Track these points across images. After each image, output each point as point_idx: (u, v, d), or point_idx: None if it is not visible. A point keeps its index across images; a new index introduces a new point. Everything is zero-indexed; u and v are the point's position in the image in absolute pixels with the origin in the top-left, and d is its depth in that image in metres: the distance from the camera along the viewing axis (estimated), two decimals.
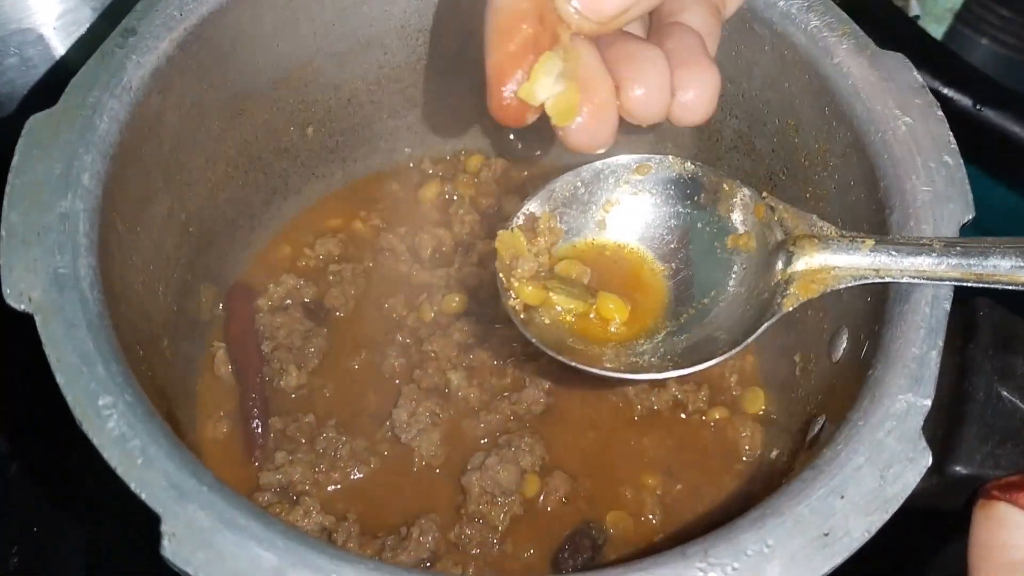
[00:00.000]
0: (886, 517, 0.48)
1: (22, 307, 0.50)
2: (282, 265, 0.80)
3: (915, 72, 0.62)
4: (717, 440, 0.74)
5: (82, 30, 0.78)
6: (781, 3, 0.65)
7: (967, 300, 0.59)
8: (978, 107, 0.96)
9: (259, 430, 0.72)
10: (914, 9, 1.15)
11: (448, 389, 0.74)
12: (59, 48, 0.78)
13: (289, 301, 0.77)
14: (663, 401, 0.74)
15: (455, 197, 0.83)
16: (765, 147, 0.72)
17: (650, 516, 0.70)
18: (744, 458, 0.73)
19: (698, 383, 0.75)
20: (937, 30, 1.14)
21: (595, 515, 0.70)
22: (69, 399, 0.48)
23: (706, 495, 0.72)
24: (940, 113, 0.60)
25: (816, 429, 0.60)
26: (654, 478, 0.72)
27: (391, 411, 0.72)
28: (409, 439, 0.71)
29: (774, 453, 0.71)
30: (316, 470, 0.70)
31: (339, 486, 0.70)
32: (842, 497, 0.48)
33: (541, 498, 0.70)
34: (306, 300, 0.78)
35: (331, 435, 0.71)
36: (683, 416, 0.74)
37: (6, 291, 0.51)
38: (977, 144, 0.84)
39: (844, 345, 0.62)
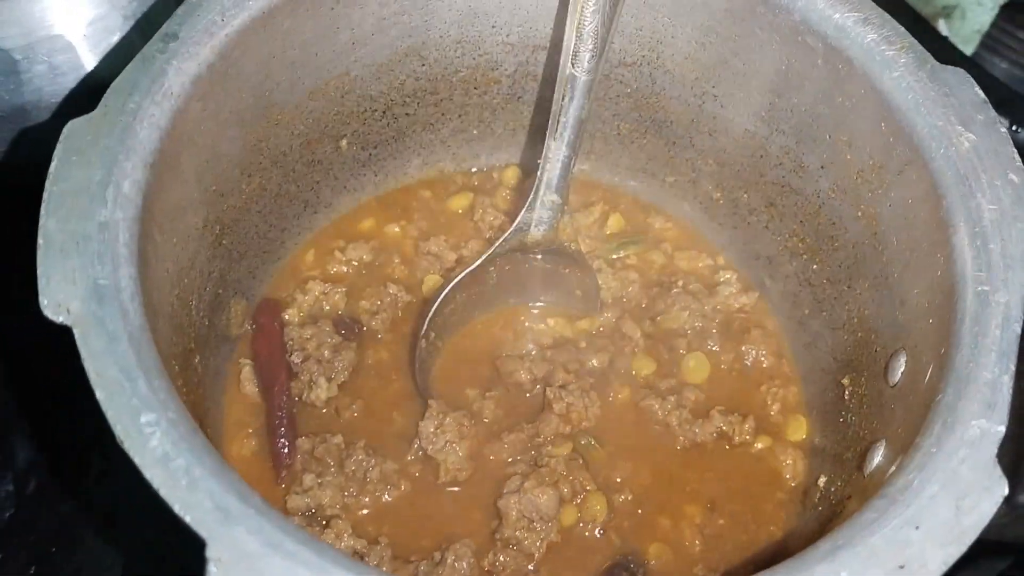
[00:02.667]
0: (963, 549, 0.46)
1: (60, 319, 0.48)
2: (310, 272, 0.79)
3: (976, 88, 0.60)
4: (759, 469, 0.72)
5: (113, 38, 0.76)
6: (836, 16, 0.64)
7: None
8: (1015, 128, 0.95)
9: (286, 450, 0.70)
10: (942, 30, 1.14)
11: (475, 406, 0.72)
12: (88, 56, 0.77)
13: (318, 312, 0.76)
14: (707, 433, 0.72)
15: (489, 209, 0.82)
16: (814, 163, 0.70)
17: (690, 547, 0.68)
18: (788, 487, 0.71)
19: (743, 414, 0.73)
20: (964, 51, 1.13)
21: (633, 546, 0.68)
22: (110, 416, 0.46)
23: (748, 525, 0.70)
24: (1003, 130, 0.59)
25: (877, 457, 0.58)
26: (694, 508, 0.70)
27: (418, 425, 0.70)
28: (436, 451, 0.69)
29: (822, 480, 0.69)
30: (346, 493, 0.68)
31: (369, 510, 0.68)
32: (917, 528, 0.46)
33: (578, 526, 0.68)
34: (337, 313, 0.76)
35: (360, 457, 0.69)
36: (727, 447, 0.72)
37: (43, 302, 0.49)
38: None
39: (903, 368, 0.60)
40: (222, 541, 0.43)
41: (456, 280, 0.72)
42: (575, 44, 0.66)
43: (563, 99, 0.68)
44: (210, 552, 0.43)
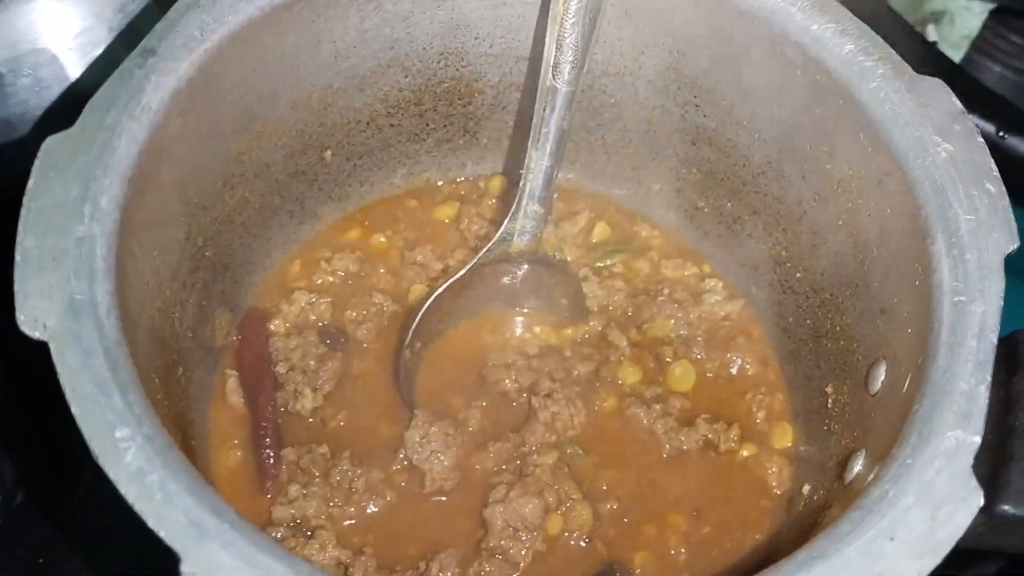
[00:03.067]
0: (938, 560, 0.46)
1: (37, 335, 0.48)
2: (296, 283, 0.79)
3: (954, 98, 0.61)
4: (744, 477, 0.72)
5: (97, 51, 0.77)
6: (815, 27, 0.64)
7: (1011, 333, 0.57)
8: (1002, 134, 0.95)
9: (271, 461, 0.70)
10: (931, 35, 1.14)
11: (461, 416, 0.72)
12: (74, 69, 0.77)
13: (304, 322, 0.76)
14: (692, 441, 0.72)
15: (475, 219, 0.82)
16: (795, 173, 0.70)
17: (675, 555, 0.69)
18: (772, 494, 0.71)
19: (728, 422, 0.73)
20: (954, 56, 1.13)
21: (618, 555, 0.68)
22: (85, 431, 0.46)
23: (734, 533, 0.70)
24: (980, 140, 0.59)
25: (857, 467, 0.58)
26: (680, 516, 0.70)
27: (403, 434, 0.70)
28: (421, 461, 0.69)
29: (806, 488, 0.69)
30: (331, 504, 0.68)
31: (354, 520, 0.68)
32: (892, 539, 0.46)
33: (564, 535, 0.68)
34: (322, 323, 0.76)
35: (346, 467, 0.69)
36: (713, 455, 0.73)
37: (20, 318, 0.49)
38: (1001, 171, 0.83)
39: (883, 378, 0.60)
40: (196, 556, 0.43)
41: (439, 291, 0.72)
42: (555, 56, 0.67)
43: (544, 110, 0.68)
44: (184, 567, 0.43)
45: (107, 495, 0.45)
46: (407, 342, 0.73)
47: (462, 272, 0.73)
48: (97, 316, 0.50)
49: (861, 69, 0.62)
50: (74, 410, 0.47)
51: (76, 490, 0.74)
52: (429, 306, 0.73)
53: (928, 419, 0.50)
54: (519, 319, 0.79)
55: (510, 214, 0.72)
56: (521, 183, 0.71)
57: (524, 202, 0.72)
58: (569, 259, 0.80)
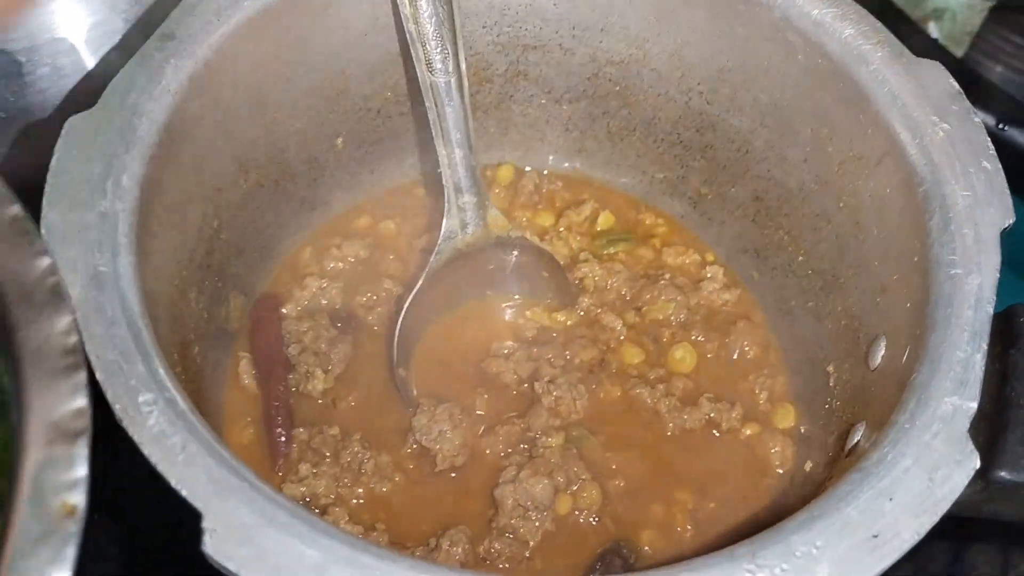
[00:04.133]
0: (935, 519, 0.47)
1: None
2: (307, 268, 0.80)
3: (951, 79, 0.62)
4: (748, 456, 0.73)
5: (113, 40, 0.78)
6: (815, 12, 0.65)
7: (1009, 307, 0.58)
8: (1001, 126, 0.96)
9: (283, 439, 0.71)
10: (933, 32, 1.15)
11: (466, 403, 0.73)
12: (90, 58, 0.79)
13: (315, 306, 0.77)
14: (696, 420, 0.73)
15: None
16: (797, 156, 0.72)
17: (681, 532, 0.70)
18: (776, 473, 0.73)
19: (731, 402, 0.74)
20: (956, 52, 1.14)
21: (626, 533, 0.69)
22: (109, 396, 0.47)
23: (738, 510, 0.71)
24: (977, 119, 0.60)
25: (856, 437, 0.60)
26: (686, 493, 0.71)
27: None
28: (430, 441, 0.70)
29: (808, 466, 0.70)
30: (340, 483, 0.69)
31: (364, 500, 0.69)
32: (891, 499, 0.47)
33: (573, 514, 0.70)
34: (336, 307, 0.77)
35: (356, 449, 0.70)
36: (716, 434, 0.74)
37: None
38: (1002, 164, 0.84)
39: (883, 352, 0.61)
40: (217, 513, 0.44)
41: (405, 308, 0.73)
42: (421, 52, 0.68)
43: (435, 105, 0.69)
44: (206, 523, 0.44)
45: (122, 474, 0.47)
46: (395, 361, 0.73)
47: (419, 283, 0.73)
48: (120, 288, 0.51)
49: (860, 53, 0.64)
50: (98, 376, 0.48)
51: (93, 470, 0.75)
52: (403, 323, 0.73)
53: (926, 386, 0.51)
54: (509, 306, 0.79)
55: (445, 213, 0.73)
56: (444, 181, 0.72)
57: (454, 197, 0.72)
58: (575, 247, 0.81)
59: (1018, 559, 0.71)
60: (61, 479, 0.42)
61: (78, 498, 0.41)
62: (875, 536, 0.46)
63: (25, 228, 0.49)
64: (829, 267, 0.72)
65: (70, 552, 0.40)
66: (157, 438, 0.47)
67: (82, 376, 0.44)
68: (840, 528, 0.46)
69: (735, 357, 0.78)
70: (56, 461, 0.42)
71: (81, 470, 0.42)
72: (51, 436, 0.42)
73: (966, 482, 0.48)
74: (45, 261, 0.48)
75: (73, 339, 0.45)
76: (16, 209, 0.49)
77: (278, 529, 0.45)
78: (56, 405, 0.43)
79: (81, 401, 0.43)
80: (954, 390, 0.51)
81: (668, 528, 0.70)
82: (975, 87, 0.97)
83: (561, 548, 0.69)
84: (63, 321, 0.46)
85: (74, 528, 0.40)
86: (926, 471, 0.48)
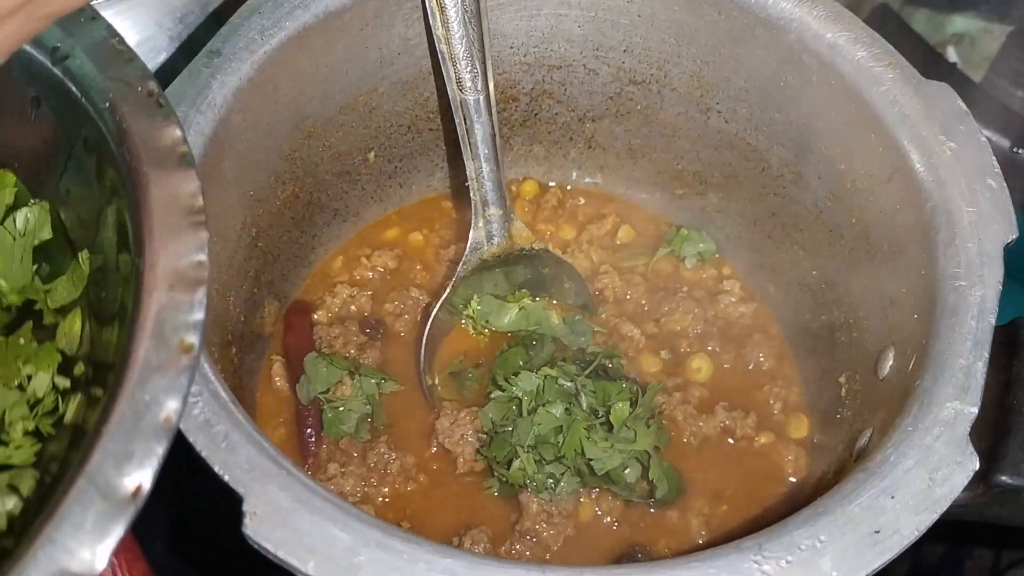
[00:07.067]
0: (935, 517, 0.49)
1: None
2: (338, 277, 0.83)
3: (959, 100, 0.65)
4: (763, 464, 0.75)
5: (160, 57, 0.82)
6: (829, 36, 0.68)
7: (1012, 320, 0.61)
8: (1016, 149, 0.98)
9: (312, 439, 0.74)
10: (951, 56, 1.17)
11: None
12: None
13: (345, 313, 0.80)
14: (711, 427, 0.76)
15: None
16: (811, 174, 0.74)
17: (695, 537, 0.72)
18: (789, 481, 0.75)
19: (745, 410, 0.77)
20: (974, 78, 1.16)
21: (642, 538, 0.72)
22: None
23: (753, 518, 0.73)
24: (983, 139, 0.63)
25: (864, 441, 0.62)
26: (702, 500, 0.73)
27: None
28: (452, 444, 0.73)
29: (821, 475, 0.72)
30: (367, 483, 0.72)
31: (388, 500, 0.72)
32: (892, 497, 0.50)
33: (594, 520, 0.72)
34: (365, 314, 0.80)
35: (382, 450, 0.73)
36: (731, 441, 0.76)
37: None
38: (1015, 187, 0.86)
39: (891, 363, 0.64)
40: (257, 497, 0.48)
41: (432, 315, 0.76)
42: (453, 71, 0.71)
43: (464, 122, 0.72)
44: (246, 506, 0.47)
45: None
46: (423, 368, 0.76)
47: (447, 292, 0.77)
48: None
49: (872, 74, 0.66)
50: None
51: None
52: (430, 331, 0.76)
53: (929, 391, 0.54)
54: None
55: (472, 225, 0.76)
56: (471, 195, 0.75)
57: (481, 210, 0.76)
58: (595, 260, 0.84)
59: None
60: (181, 319, 0.45)
61: (194, 338, 0.45)
62: (877, 532, 0.48)
63: (160, 101, 0.53)
64: (842, 281, 0.74)
65: (184, 381, 0.44)
66: (203, 427, 0.50)
67: (204, 235, 0.48)
68: (843, 524, 0.49)
69: (751, 368, 0.80)
70: (177, 304, 0.45)
71: (199, 314, 0.46)
72: (173, 281, 0.46)
73: (965, 482, 0.50)
74: (176, 131, 0.52)
75: (199, 202, 0.49)
76: (152, 84, 0.53)
77: (313, 513, 0.48)
78: (181, 255, 0.47)
79: (202, 256, 0.47)
80: (956, 395, 0.53)
81: (684, 534, 0.72)
82: (991, 111, 0.99)
83: (580, 551, 0.71)
84: (191, 185, 0.50)
85: (189, 363, 0.44)
86: (927, 471, 0.50)
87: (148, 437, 0.42)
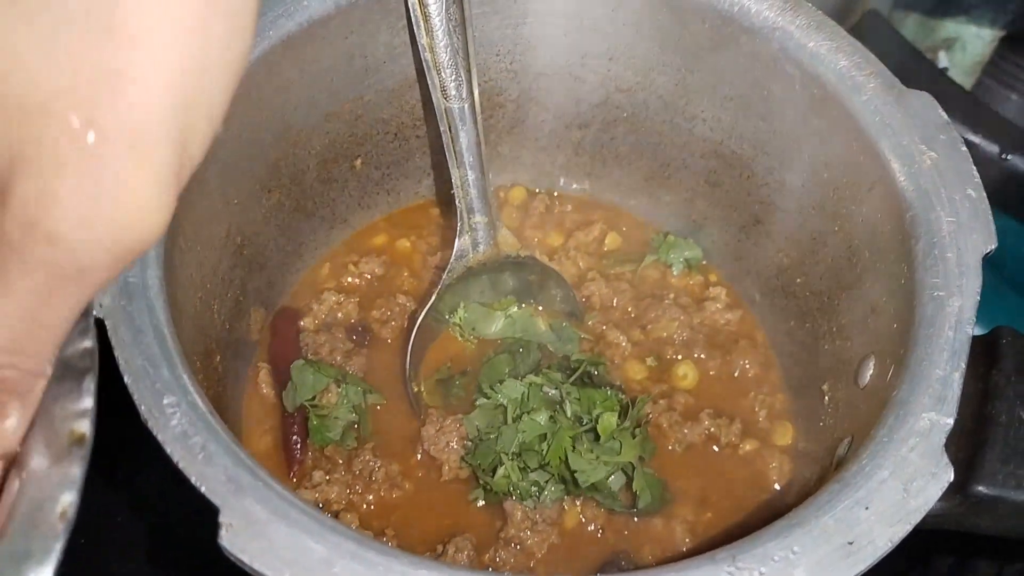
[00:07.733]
0: (909, 528, 0.49)
1: (94, 312, 0.54)
2: (325, 284, 0.84)
3: (940, 110, 0.65)
4: (747, 471, 0.76)
5: None
6: (811, 44, 0.68)
7: (992, 329, 0.61)
8: (1004, 155, 0.98)
9: (298, 447, 0.74)
10: (942, 61, 1.18)
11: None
12: None
13: (332, 320, 0.80)
14: (696, 434, 0.76)
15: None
16: (795, 182, 0.75)
17: (679, 544, 0.72)
18: (773, 488, 0.75)
19: (730, 417, 0.77)
20: (965, 83, 1.16)
21: (627, 546, 0.72)
22: (135, 398, 0.51)
23: (738, 525, 0.73)
24: (964, 149, 0.63)
25: (843, 449, 0.62)
26: (686, 508, 0.74)
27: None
28: (438, 451, 0.73)
29: (804, 482, 0.72)
30: (352, 490, 0.72)
31: (374, 507, 0.72)
32: (866, 508, 0.50)
33: (579, 527, 0.72)
34: (352, 320, 0.81)
35: (368, 458, 0.73)
36: (716, 448, 0.76)
37: None
38: (1004, 192, 0.86)
39: (871, 371, 0.64)
40: (233, 508, 0.48)
41: (418, 323, 0.76)
42: (437, 79, 0.71)
43: (449, 130, 0.73)
44: (222, 518, 0.47)
45: (157, 461, 0.50)
46: (408, 376, 0.77)
47: (432, 299, 0.77)
48: (148, 298, 0.55)
49: (854, 83, 0.67)
50: (126, 379, 0.52)
51: (117, 476, 0.79)
52: (416, 338, 0.77)
53: (905, 402, 0.54)
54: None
55: (457, 232, 0.76)
56: (457, 202, 0.75)
57: (466, 218, 0.76)
58: (582, 267, 0.84)
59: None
60: (70, 408, 0.46)
61: (85, 427, 0.45)
62: (850, 543, 0.48)
63: None
64: (825, 289, 0.74)
65: (77, 472, 0.44)
66: (179, 438, 0.50)
67: (89, 321, 0.49)
68: (817, 535, 0.49)
69: (736, 375, 0.80)
70: (67, 393, 0.46)
71: (88, 402, 0.46)
72: (60, 372, 0.46)
73: (940, 493, 0.50)
74: None
75: None
76: None
77: (289, 525, 0.48)
78: (65, 345, 0.46)
79: (88, 342, 0.48)
80: (932, 406, 0.53)
81: (668, 541, 0.72)
82: (982, 116, 0.99)
83: (564, 559, 0.71)
84: None
85: (81, 453, 0.45)
86: (902, 482, 0.50)
87: (45, 535, 0.42)
